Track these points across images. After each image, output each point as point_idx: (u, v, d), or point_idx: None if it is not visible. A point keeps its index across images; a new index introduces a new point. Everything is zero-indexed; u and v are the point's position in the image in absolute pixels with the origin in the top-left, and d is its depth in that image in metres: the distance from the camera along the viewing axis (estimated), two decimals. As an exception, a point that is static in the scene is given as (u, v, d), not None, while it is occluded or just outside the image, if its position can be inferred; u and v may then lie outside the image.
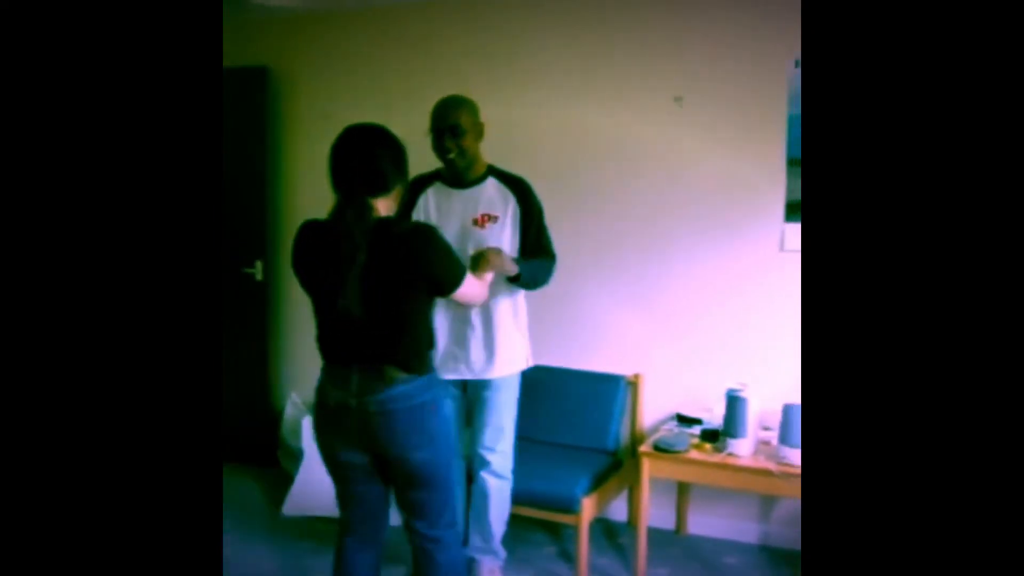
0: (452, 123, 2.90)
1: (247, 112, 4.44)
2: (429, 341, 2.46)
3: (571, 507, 3.28)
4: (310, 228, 2.43)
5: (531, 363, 3.24)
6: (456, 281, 2.42)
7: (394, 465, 2.41)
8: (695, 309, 3.77)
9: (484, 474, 3.16)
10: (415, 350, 2.38)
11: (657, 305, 3.85)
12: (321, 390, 2.45)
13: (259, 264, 4.51)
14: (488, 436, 3.14)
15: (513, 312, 3.12)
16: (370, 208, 2.31)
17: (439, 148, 2.92)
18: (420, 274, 2.33)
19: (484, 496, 3.18)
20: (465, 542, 3.17)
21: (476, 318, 3.03)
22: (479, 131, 3.00)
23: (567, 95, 3.92)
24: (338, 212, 2.32)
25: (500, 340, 3.06)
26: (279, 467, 4.49)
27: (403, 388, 2.34)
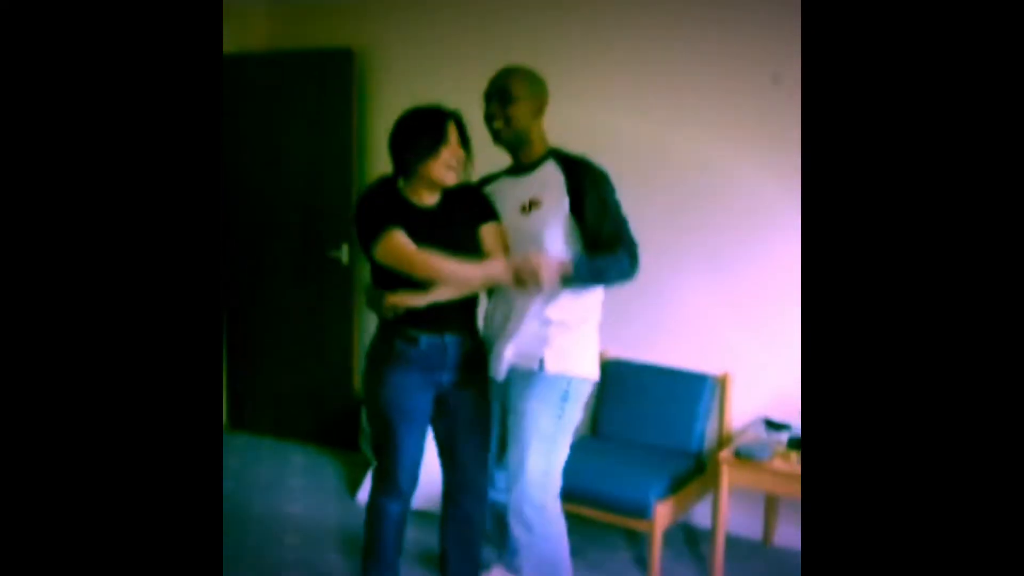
0: (500, 86, 2.59)
1: (332, 95, 4.39)
2: None
3: (643, 513, 3.08)
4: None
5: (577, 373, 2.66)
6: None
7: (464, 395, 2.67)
8: (789, 307, 3.48)
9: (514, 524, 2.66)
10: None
11: (748, 299, 3.59)
12: (398, 338, 2.61)
13: (345, 247, 4.47)
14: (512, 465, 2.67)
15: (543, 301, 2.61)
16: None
17: (485, 116, 2.63)
18: None
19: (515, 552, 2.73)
20: None
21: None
22: (537, 104, 2.62)
23: (652, 75, 3.70)
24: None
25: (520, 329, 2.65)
26: (359, 451, 4.47)
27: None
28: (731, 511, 3.51)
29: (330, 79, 4.39)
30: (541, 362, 2.58)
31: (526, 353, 2.61)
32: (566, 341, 2.61)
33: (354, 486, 4.08)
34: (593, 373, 2.70)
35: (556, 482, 2.66)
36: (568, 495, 3.20)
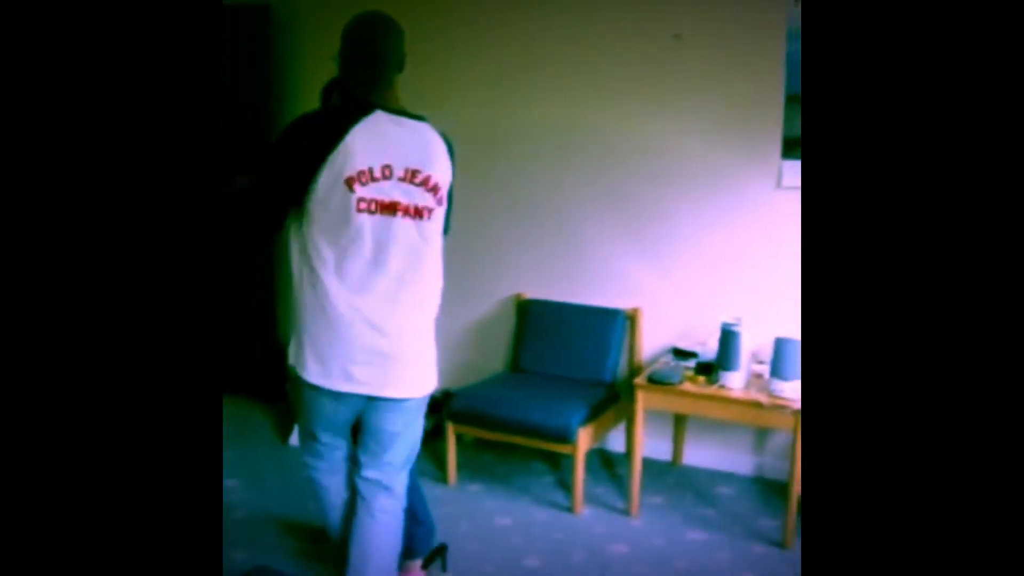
0: None
1: (250, 51, 4.45)
2: None
3: (567, 437, 3.36)
4: None
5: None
6: None
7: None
8: (693, 245, 3.81)
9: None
10: None
11: (656, 241, 3.89)
12: None
13: (265, 202, 4.55)
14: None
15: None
16: None
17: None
18: None
19: None
20: None
21: None
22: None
23: (566, 28, 3.92)
24: None
25: None
26: (287, 401, 4.60)
27: None
28: (643, 435, 3.84)
29: (248, 35, 4.44)
30: None
31: None
32: None
33: (284, 434, 4.23)
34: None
35: None
36: (496, 424, 3.49)
